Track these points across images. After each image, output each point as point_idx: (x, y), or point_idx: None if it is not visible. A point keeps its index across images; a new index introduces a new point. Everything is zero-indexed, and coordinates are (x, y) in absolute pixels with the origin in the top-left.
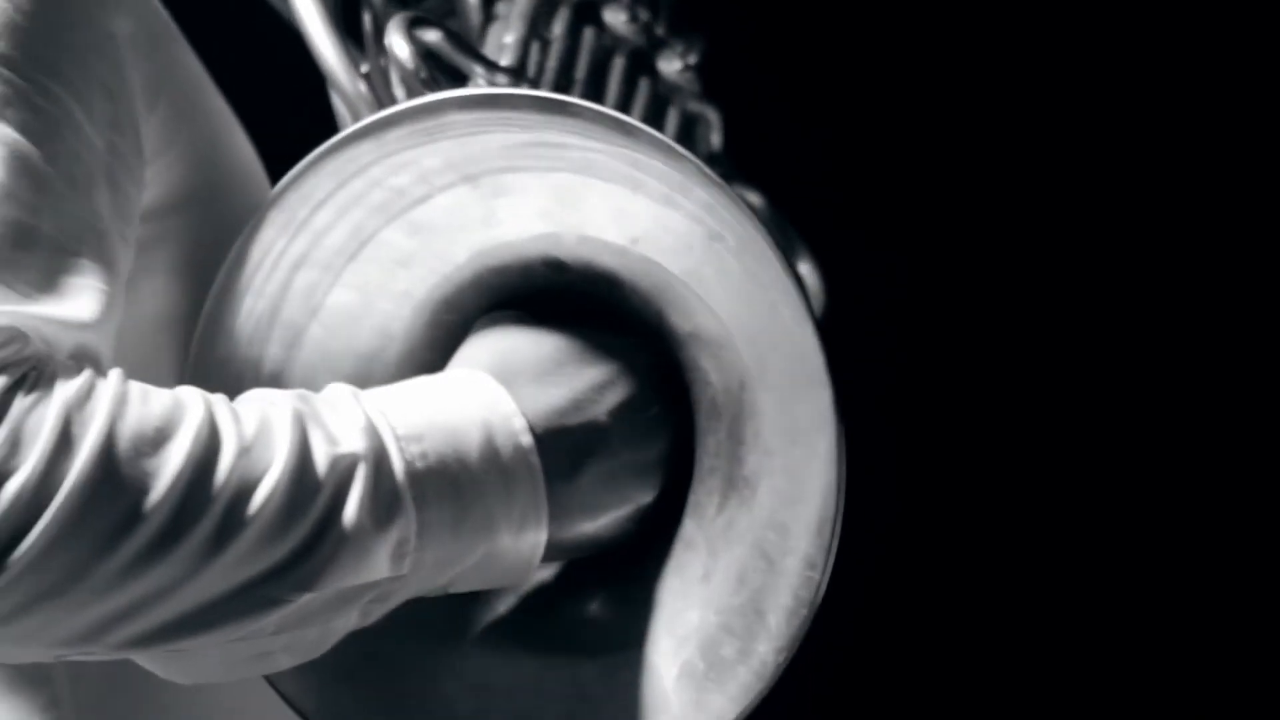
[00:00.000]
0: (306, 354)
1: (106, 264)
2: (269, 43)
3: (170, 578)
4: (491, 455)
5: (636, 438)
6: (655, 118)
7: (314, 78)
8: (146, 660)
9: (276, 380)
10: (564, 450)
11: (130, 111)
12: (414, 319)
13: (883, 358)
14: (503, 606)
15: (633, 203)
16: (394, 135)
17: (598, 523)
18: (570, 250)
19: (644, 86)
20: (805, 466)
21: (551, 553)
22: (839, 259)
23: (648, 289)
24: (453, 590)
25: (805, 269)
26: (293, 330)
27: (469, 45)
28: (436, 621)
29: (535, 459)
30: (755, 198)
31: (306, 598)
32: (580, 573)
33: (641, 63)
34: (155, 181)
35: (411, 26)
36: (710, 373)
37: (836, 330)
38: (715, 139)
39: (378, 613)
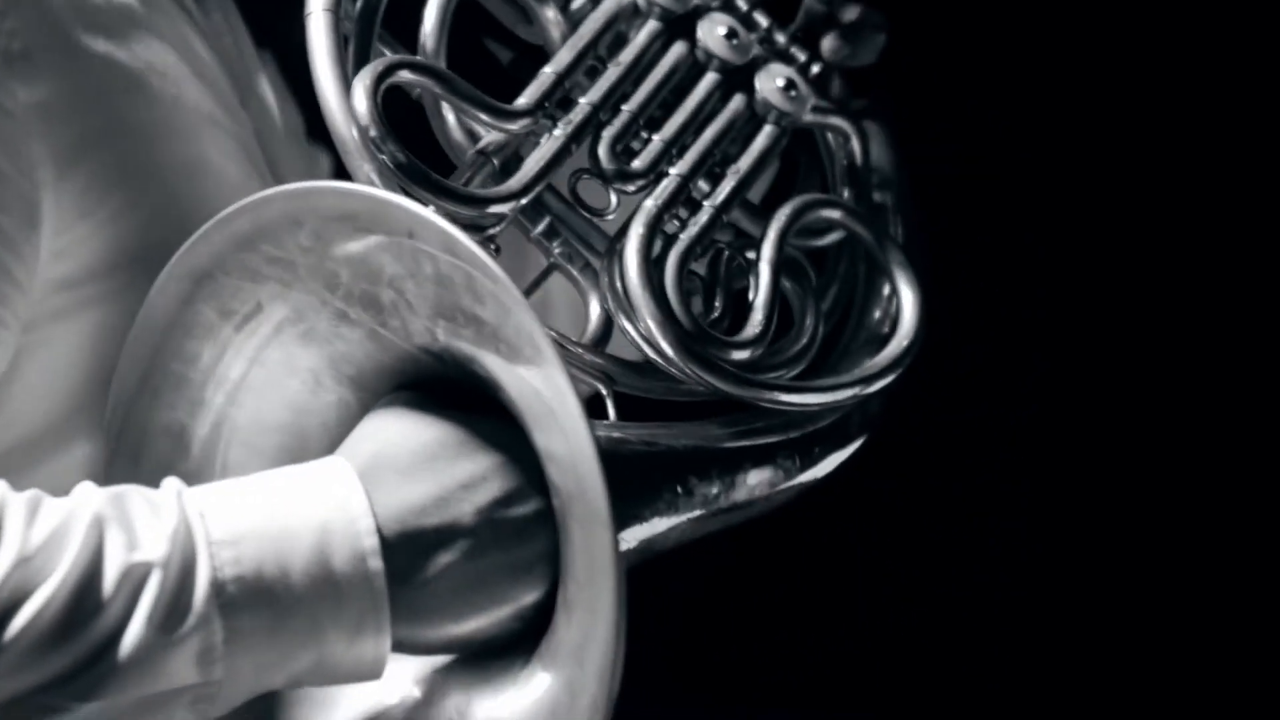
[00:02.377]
0: (212, 425)
1: None
2: None
3: None
4: (322, 561)
5: (508, 536)
6: (745, 138)
7: None
8: None
9: (187, 448)
10: (418, 551)
11: (20, 185)
12: (321, 395)
13: None
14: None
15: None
16: (273, 214)
17: (470, 622)
18: (450, 341)
19: (736, 104)
20: (597, 606)
21: (420, 650)
22: None
23: (515, 396)
24: (301, 687)
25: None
26: (200, 401)
27: (466, 92)
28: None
29: (377, 563)
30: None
31: (91, 707)
32: (459, 669)
33: (739, 82)
34: (78, 248)
35: (386, 74)
36: (557, 486)
37: None
38: (855, 147)
39: (215, 712)
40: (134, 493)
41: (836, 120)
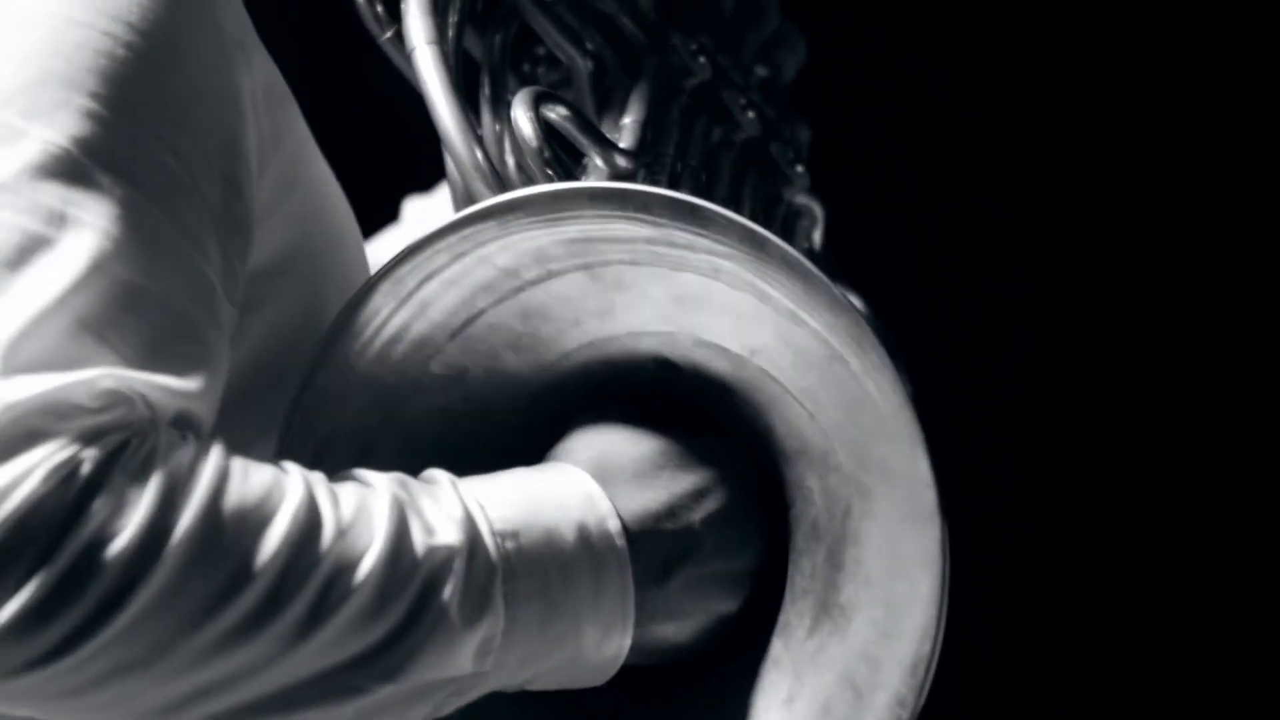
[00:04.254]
0: (402, 426)
1: (215, 326)
2: (386, 97)
3: (256, 658)
4: (585, 556)
5: (729, 548)
6: (766, 211)
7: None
8: None
9: (369, 451)
10: (656, 554)
11: (247, 170)
12: (515, 402)
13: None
14: (579, 708)
15: (757, 314)
16: (518, 218)
17: (680, 628)
18: (684, 353)
19: (752, 179)
20: (906, 603)
21: (631, 655)
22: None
23: (759, 402)
24: (530, 688)
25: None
26: (392, 402)
27: (591, 125)
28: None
29: (628, 563)
30: (858, 301)
31: (389, 689)
32: (663, 679)
33: (754, 153)
34: (261, 244)
35: (538, 103)
36: (815, 493)
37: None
38: (816, 236)
39: (452, 706)
40: (408, 479)
41: (814, 205)
